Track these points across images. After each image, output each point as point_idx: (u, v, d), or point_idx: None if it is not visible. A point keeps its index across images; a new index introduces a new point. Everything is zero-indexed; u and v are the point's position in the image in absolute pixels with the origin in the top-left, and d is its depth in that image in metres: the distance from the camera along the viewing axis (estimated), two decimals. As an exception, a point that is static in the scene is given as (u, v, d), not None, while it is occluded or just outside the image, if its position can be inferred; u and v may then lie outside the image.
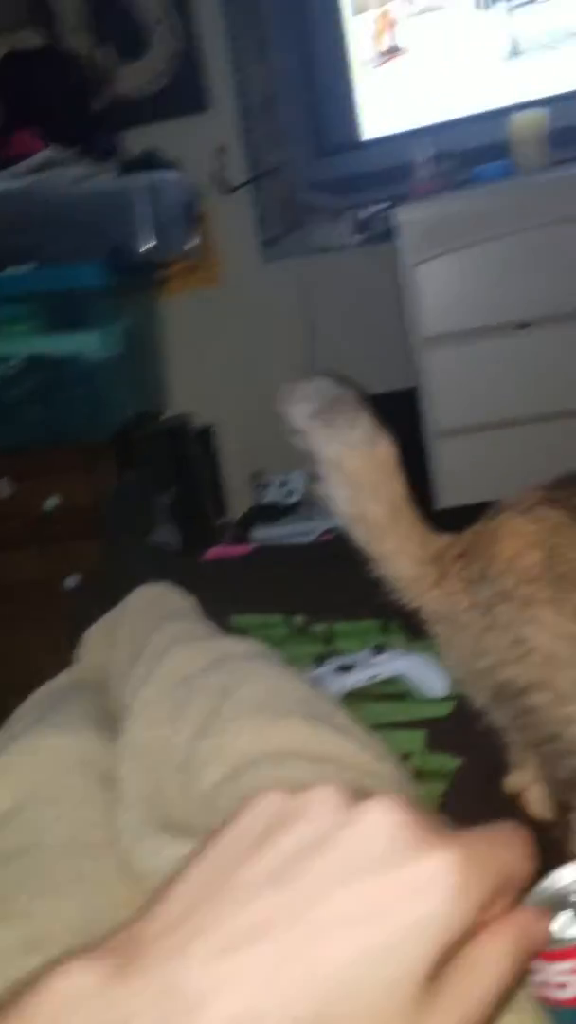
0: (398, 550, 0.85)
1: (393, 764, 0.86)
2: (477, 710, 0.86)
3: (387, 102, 2.94)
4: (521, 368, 2.60)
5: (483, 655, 0.81)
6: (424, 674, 1.22)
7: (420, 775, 1.07)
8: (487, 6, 2.79)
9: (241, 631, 1.30)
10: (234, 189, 3.01)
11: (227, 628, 1.26)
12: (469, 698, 0.87)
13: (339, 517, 0.88)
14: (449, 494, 2.68)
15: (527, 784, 0.92)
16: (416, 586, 0.85)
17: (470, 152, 2.65)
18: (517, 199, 2.52)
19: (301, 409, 0.86)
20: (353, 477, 0.84)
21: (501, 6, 2.77)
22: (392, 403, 2.98)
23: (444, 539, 0.87)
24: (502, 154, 2.59)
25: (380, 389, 3.06)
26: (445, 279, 2.62)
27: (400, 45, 2.90)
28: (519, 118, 2.55)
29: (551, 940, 0.49)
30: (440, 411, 2.68)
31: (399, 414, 2.96)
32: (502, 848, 0.38)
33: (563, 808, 0.82)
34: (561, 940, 0.49)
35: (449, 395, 2.67)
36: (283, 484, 2.93)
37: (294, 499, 2.89)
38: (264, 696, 0.85)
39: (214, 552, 1.87)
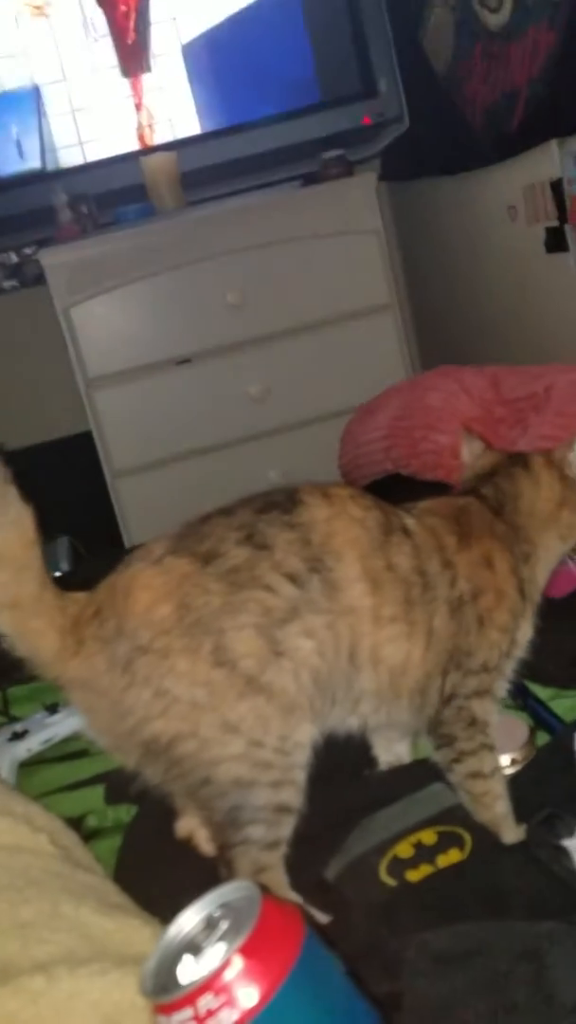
0: (45, 627, 0.81)
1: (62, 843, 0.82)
2: (130, 772, 0.84)
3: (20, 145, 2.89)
4: (187, 402, 2.66)
5: (127, 715, 0.80)
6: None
7: (98, 833, 1.04)
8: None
9: None
10: None
11: None
12: (120, 762, 0.85)
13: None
14: (137, 532, 2.67)
15: (195, 827, 0.92)
16: (59, 659, 0.82)
17: (108, 195, 2.68)
18: (159, 239, 2.59)
19: None
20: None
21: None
22: (68, 448, 2.95)
23: (79, 600, 0.84)
24: (140, 196, 2.65)
25: (54, 435, 3.02)
26: (102, 320, 2.62)
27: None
28: (151, 161, 2.62)
29: (171, 989, 0.49)
30: (115, 451, 2.67)
31: (76, 458, 2.91)
32: None
33: (224, 847, 0.83)
34: (180, 988, 0.48)
35: (122, 435, 2.67)
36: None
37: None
38: None
39: None
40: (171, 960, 0.50)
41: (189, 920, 0.52)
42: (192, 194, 2.69)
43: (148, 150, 2.72)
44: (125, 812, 1.05)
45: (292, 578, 0.81)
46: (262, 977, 0.47)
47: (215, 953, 0.49)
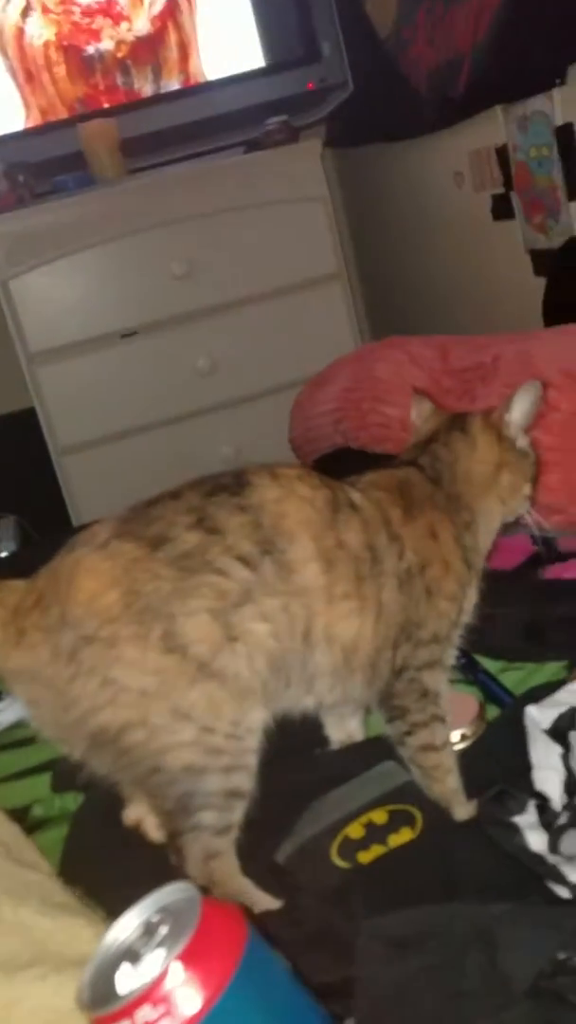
0: None
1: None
2: (76, 762, 0.82)
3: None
4: (133, 376, 2.61)
5: (72, 706, 0.77)
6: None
7: (45, 823, 1.02)
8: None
9: None
10: None
11: None
12: (66, 753, 0.82)
13: None
14: (85, 511, 2.62)
15: (144, 814, 0.90)
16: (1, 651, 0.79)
17: (45, 163, 2.60)
18: (99, 209, 2.52)
19: None
20: None
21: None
22: (11, 425, 2.88)
23: (18, 588, 0.81)
24: (79, 165, 2.57)
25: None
26: (42, 293, 2.55)
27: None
28: (88, 128, 2.54)
29: (109, 1000, 0.47)
30: (60, 428, 2.61)
31: (20, 436, 2.84)
32: None
33: (174, 834, 0.81)
34: (119, 999, 0.46)
35: (67, 411, 2.61)
36: None
37: None
38: None
39: None
40: (109, 969, 0.48)
41: (127, 926, 0.50)
42: (132, 162, 2.62)
43: (86, 116, 2.63)
44: (72, 800, 1.02)
45: (245, 561, 0.79)
46: (203, 984, 0.46)
47: (154, 960, 0.47)
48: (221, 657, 0.77)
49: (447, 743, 0.91)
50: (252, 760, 0.80)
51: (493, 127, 2.08)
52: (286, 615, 0.81)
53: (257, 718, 0.80)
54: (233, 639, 0.78)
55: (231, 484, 0.82)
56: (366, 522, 0.87)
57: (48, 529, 2.73)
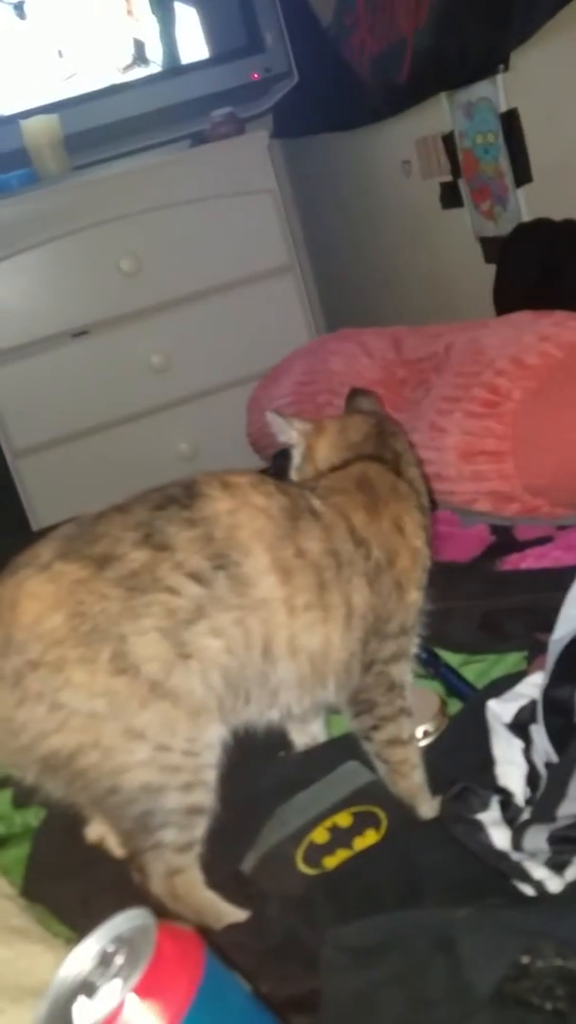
0: None
1: None
2: (29, 787, 0.80)
3: None
4: (87, 376, 2.58)
5: (20, 731, 0.75)
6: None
7: (6, 840, 1.00)
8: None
9: None
10: None
11: None
12: (18, 778, 0.80)
13: None
14: (43, 513, 2.59)
15: (106, 831, 0.89)
16: None
17: (-13, 161, 2.55)
18: (45, 206, 2.47)
19: None
20: None
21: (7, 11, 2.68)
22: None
23: None
24: (22, 162, 2.52)
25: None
26: (-10, 293, 2.50)
27: None
28: (31, 124, 2.50)
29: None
30: (15, 430, 2.57)
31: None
32: None
33: (135, 853, 0.80)
34: (75, 1033, 0.45)
35: (21, 412, 2.57)
36: None
37: None
38: None
39: None
40: (64, 1002, 0.47)
41: (82, 957, 0.49)
42: (77, 158, 2.58)
43: (28, 112, 2.58)
44: (34, 816, 1.01)
45: (196, 577, 0.77)
46: (161, 1013, 0.45)
47: (110, 992, 0.46)
48: (174, 675, 0.76)
49: (412, 737, 0.91)
50: (211, 775, 0.79)
51: (439, 114, 2.08)
52: (241, 630, 0.79)
53: (214, 734, 0.79)
54: (186, 656, 0.77)
55: (181, 496, 0.80)
56: (328, 528, 0.85)
57: (4, 533, 2.70)
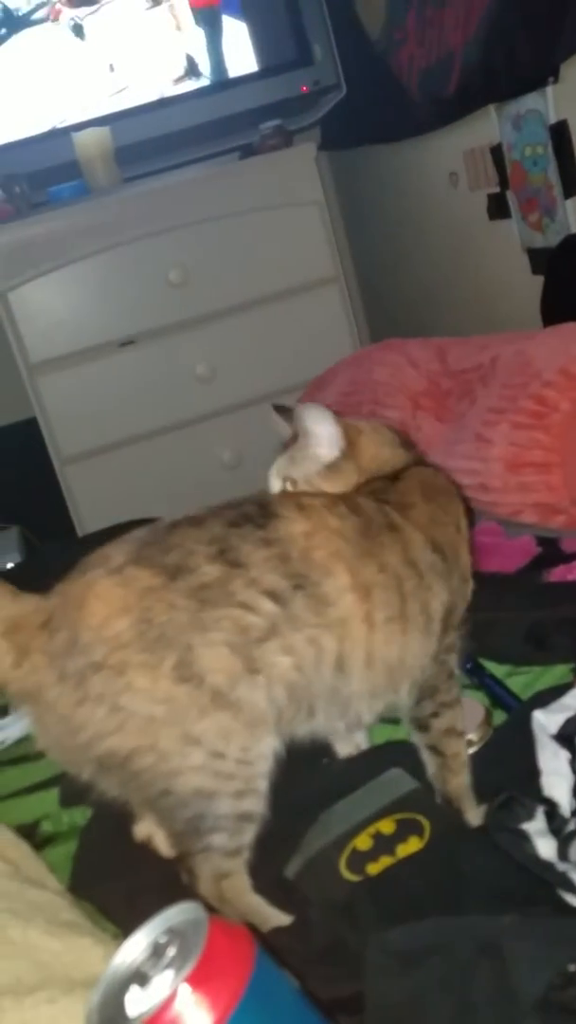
0: None
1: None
2: (82, 785, 0.81)
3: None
4: (133, 384, 2.61)
5: (80, 730, 0.76)
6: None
7: (54, 838, 1.02)
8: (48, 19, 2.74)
9: None
10: None
11: None
12: (74, 774, 0.81)
13: None
14: (88, 520, 2.63)
15: (153, 830, 0.90)
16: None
17: (40, 173, 2.60)
18: (95, 218, 2.52)
19: None
20: None
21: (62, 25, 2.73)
22: (13, 435, 2.88)
23: (23, 605, 0.80)
24: (73, 174, 2.57)
25: (-2, 423, 2.95)
26: (41, 304, 2.55)
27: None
28: (82, 137, 2.54)
29: (122, 1022, 0.47)
30: (62, 438, 2.61)
31: (23, 446, 2.84)
32: None
33: (185, 855, 0.81)
34: (128, 1021, 0.46)
35: (69, 420, 2.61)
36: None
37: None
38: None
39: None
40: (117, 991, 0.48)
41: (135, 947, 0.50)
42: (128, 170, 2.62)
43: (80, 125, 2.63)
44: (80, 815, 1.02)
45: (272, 595, 0.78)
46: (212, 1005, 0.46)
47: (162, 982, 0.47)
48: (239, 688, 0.77)
49: (463, 733, 0.92)
50: (263, 784, 0.80)
51: (487, 126, 2.08)
52: (314, 648, 0.80)
53: (268, 745, 0.80)
54: (254, 671, 0.77)
55: (256, 515, 0.81)
56: (407, 540, 0.87)
57: (51, 539, 2.74)
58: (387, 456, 0.98)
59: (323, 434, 0.95)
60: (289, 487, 0.96)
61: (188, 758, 0.76)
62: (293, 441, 0.99)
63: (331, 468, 0.95)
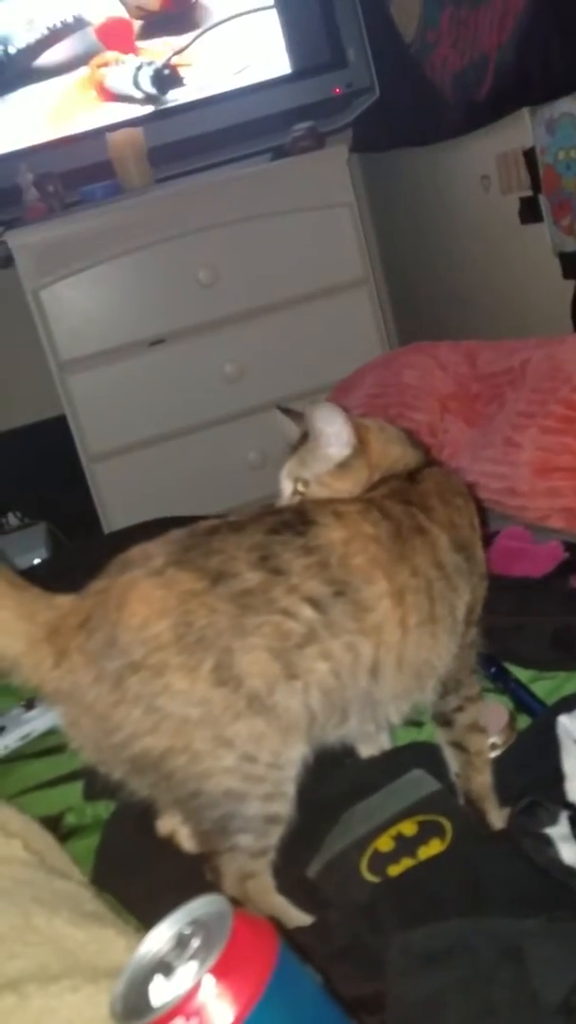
0: (15, 630, 0.78)
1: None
2: (115, 783, 0.81)
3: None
4: (162, 383, 2.62)
5: (116, 730, 0.77)
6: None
7: (77, 831, 1.03)
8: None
9: None
10: None
11: None
12: (105, 773, 0.81)
13: None
14: (115, 517, 2.64)
15: (177, 825, 0.91)
16: (34, 667, 0.78)
17: (73, 173, 2.62)
18: (127, 217, 2.53)
19: None
20: None
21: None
22: (42, 432, 2.90)
23: (62, 605, 0.80)
24: (106, 174, 2.59)
25: (27, 420, 2.97)
26: (72, 302, 2.57)
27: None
28: (116, 137, 2.56)
29: (143, 1012, 0.47)
30: (91, 435, 2.63)
31: (51, 443, 2.86)
32: None
33: (211, 854, 0.81)
34: (152, 1011, 0.47)
35: (97, 418, 2.63)
36: None
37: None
38: None
39: None
40: (142, 981, 0.49)
41: (159, 938, 0.50)
42: (160, 170, 2.64)
43: (114, 126, 2.65)
44: (104, 808, 1.03)
45: (313, 602, 0.79)
46: (236, 997, 0.46)
47: (186, 973, 0.47)
48: (277, 693, 0.77)
49: (485, 728, 0.93)
50: (292, 788, 0.80)
51: (520, 130, 2.07)
52: (351, 654, 0.80)
53: (298, 751, 0.80)
54: (293, 677, 0.78)
55: (295, 522, 0.82)
56: (434, 542, 0.88)
57: (79, 535, 2.76)
58: (397, 454, 0.98)
59: (334, 433, 0.95)
60: (300, 488, 0.96)
61: (220, 760, 0.76)
62: (301, 442, 0.99)
63: (342, 467, 0.96)
